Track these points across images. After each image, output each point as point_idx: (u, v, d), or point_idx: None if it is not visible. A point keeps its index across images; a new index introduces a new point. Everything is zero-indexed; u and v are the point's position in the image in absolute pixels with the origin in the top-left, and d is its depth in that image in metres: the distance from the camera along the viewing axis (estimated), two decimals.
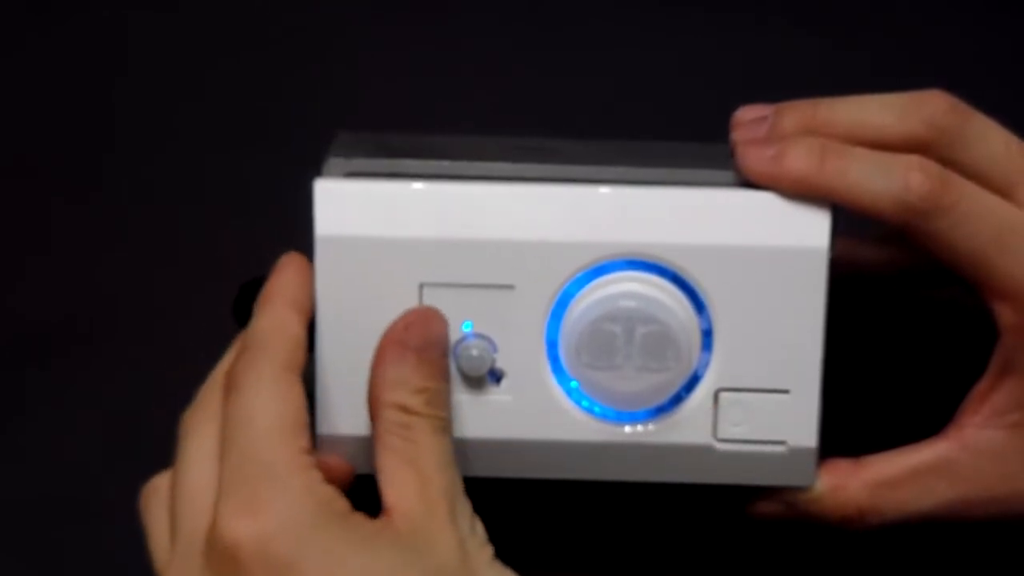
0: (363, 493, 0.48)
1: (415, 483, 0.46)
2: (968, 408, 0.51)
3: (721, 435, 0.50)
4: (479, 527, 0.47)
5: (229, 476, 0.46)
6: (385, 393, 0.47)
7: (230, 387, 0.47)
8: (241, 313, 0.53)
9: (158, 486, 0.49)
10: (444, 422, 0.48)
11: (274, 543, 0.44)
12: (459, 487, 0.47)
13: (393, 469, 0.47)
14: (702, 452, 0.50)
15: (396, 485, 0.46)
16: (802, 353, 0.49)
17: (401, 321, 0.48)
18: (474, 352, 0.49)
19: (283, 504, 0.45)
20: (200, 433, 0.48)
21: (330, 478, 0.47)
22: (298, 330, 0.48)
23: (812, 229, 0.49)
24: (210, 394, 0.49)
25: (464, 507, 0.47)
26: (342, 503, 0.46)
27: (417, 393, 0.47)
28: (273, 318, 0.49)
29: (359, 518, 0.46)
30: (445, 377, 0.49)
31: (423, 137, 0.54)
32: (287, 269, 0.50)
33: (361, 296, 0.49)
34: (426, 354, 0.48)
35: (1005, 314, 0.49)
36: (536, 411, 0.50)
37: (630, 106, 0.66)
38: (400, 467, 0.47)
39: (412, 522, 0.46)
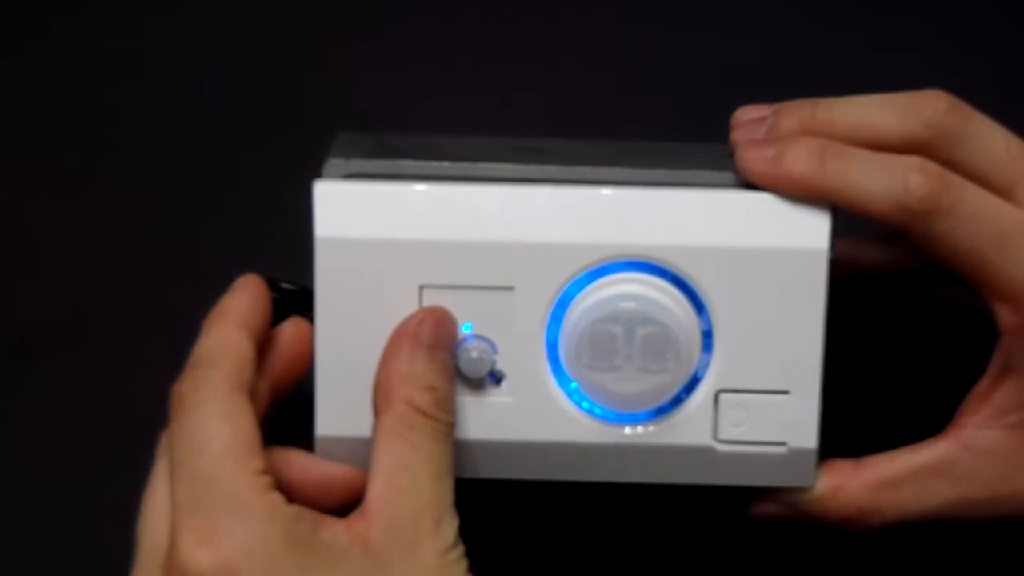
0: None
1: (407, 490, 0.46)
2: (968, 408, 0.51)
3: (721, 436, 0.50)
4: (461, 542, 0.47)
5: (185, 501, 0.45)
6: (395, 387, 0.48)
7: (176, 406, 0.47)
8: None
9: (145, 499, 0.48)
10: (448, 427, 0.48)
11: (239, 574, 0.44)
12: (450, 499, 0.47)
13: (388, 470, 0.47)
14: (702, 453, 0.50)
15: (386, 487, 0.46)
16: (802, 354, 0.49)
17: (414, 318, 0.49)
18: (474, 354, 0.49)
19: (245, 533, 0.45)
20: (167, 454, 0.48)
21: (291, 491, 0.47)
22: (246, 349, 0.48)
23: (812, 230, 0.49)
24: None
25: (451, 519, 0.47)
26: (307, 523, 0.46)
27: (426, 390, 0.47)
28: (221, 336, 0.49)
29: (326, 535, 0.46)
30: (451, 382, 0.49)
31: (423, 137, 0.54)
32: (240, 290, 0.50)
33: (361, 298, 0.49)
34: (436, 353, 0.48)
35: (1005, 315, 0.49)
36: (536, 412, 0.50)
37: (630, 106, 0.66)
38: (395, 469, 0.47)
39: (393, 529, 0.46)
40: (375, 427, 0.48)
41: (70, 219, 0.64)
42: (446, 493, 0.47)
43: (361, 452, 0.49)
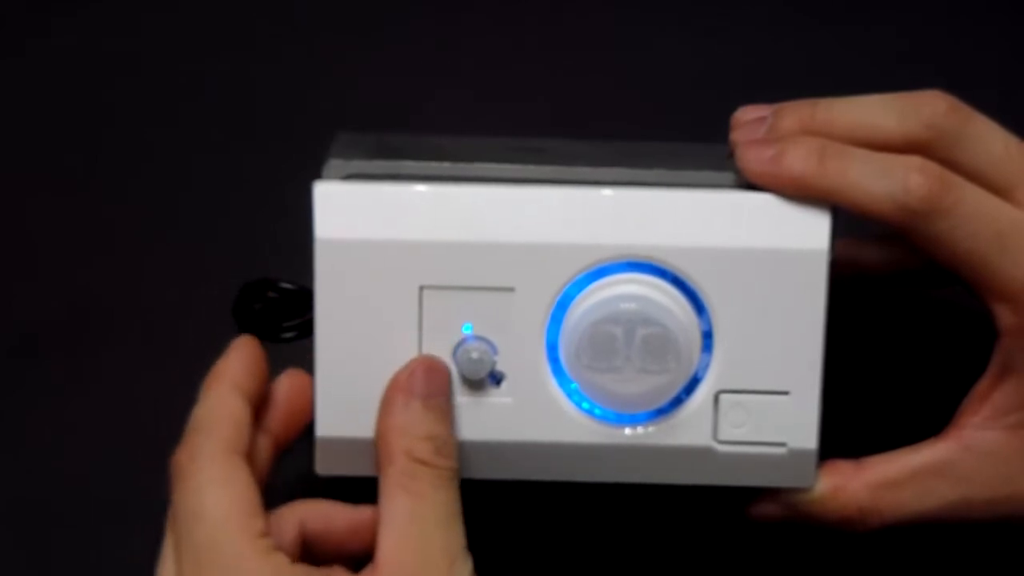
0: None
1: (416, 539, 0.46)
2: (968, 409, 0.51)
3: (721, 437, 0.50)
4: None
5: (189, 572, 0.46)
6: (393, 440, 0.48)
7: (175, 476, 0.47)
8: (241, 315, 0.54)
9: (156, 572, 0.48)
10: (452, 472, 0.48)
11: None
12: (461, 542, 0.47)
13: (396, 522, 0.47)
14: (702, 454, 0.50)
15: (395, 539, 0.46)
16: (802, 355, 0.49)
17: (404, 370, 0.49)
18: (474, 355, 0.49)
19: None
20: None
21: (318, 542, 0.48)
22: (240, 410, 0.48)
23: (812, 231, 0.49)
24: None
25: (464, 562, 0.47)
26: None
27: (425, 440, 0.48)
28: (214, 401, 0.49)
29: None
30: (450, 426, 0.49)
31: (423, 138, 0.54)
32: (233, 352, 0.50)
33: (361, 299, 0.49)
34: (432, 401, 0.48)
35: (1004, 315, 0.49)
36: (536, 413, 0.50)
37: (630, 106, 0.66)
38: (403, 522, 0.47)
39: None
40: (380, 481, 0.48)
41: (70, 219, 0.64)
42: (456, 537, 0.47)
43: (361, 452, 0.49)
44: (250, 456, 0.48)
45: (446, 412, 0.49)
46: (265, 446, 0.50)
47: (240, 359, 0.50)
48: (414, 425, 0.48)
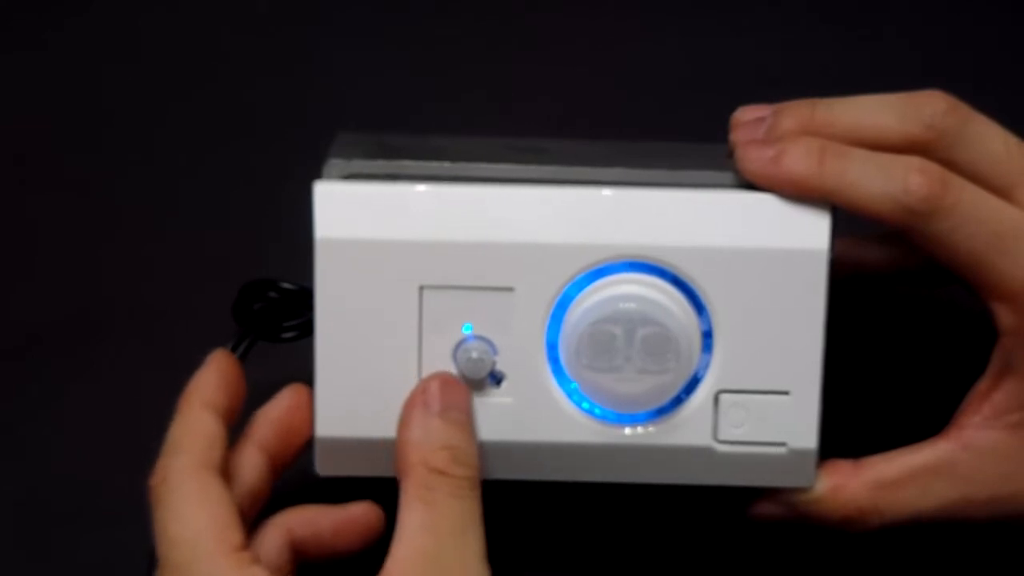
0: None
1: (428, 549, 0.46)
2: (968, 408, 0.51)
3: (721, 436, 0.50)
4: None
5: None
6: (410, 452, 0.48)
7: (152, 498, 0.47)
8: (241, 315, 0.54)
9: None
10: (469, 481, 0.48)
11: None
12: (478, 552, 0.47)
13: (408, 533, 0.47)
14: (702, 453, 0.50)
15: (405, 549, 0.46)
16: (802, 354, 0.49)
17: (420, 386, 0.49)
18: (474, 354, 0.49)
19: None
20: None
21: (306, 547, 0.48)
22: (212, 427, 0.48)
23: (812, 230, 0.49)
24: None
25: (480, 573, 0.47)
26: None
27: (441, 450, 0.47)
28: (186, 420, 0.49)
29: None
30: (470, 436, 0.49)
31: (422, 138, 0.54)
32: (207, 368, 0.50)
33: (361, 298, 0.49)
34: (449, 414, 0.48)
35: (1004, 315, 0.49)
36: (536, 413, 0.50)
37: (630, 106, 0.66)
38: (416, 532, 0.46)
39: None
40: (399, 496, 0.48)
41: (70, 219, 0.64)
42: (472, 547, 0.47)
43: (361, 452, 0.49)
44: (230, 472, 0.49)
45: (465, 424, 0.49)
46: (257, 462, 0.50)
47: (212, 376, 0.50)
48: (430, 436, 0.48)
